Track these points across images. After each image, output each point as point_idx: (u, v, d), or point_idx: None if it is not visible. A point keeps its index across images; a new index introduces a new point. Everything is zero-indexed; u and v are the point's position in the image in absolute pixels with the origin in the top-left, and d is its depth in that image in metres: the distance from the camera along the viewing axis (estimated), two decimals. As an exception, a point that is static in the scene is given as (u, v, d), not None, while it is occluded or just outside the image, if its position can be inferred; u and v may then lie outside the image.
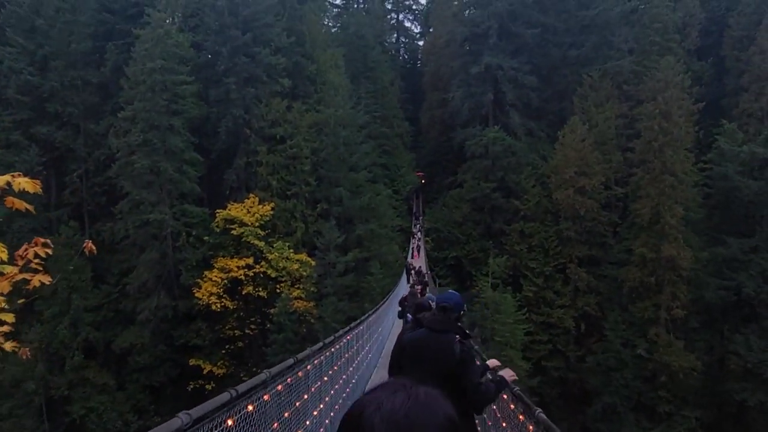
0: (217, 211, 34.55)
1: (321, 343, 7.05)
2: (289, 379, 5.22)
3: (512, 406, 4.83)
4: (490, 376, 4.39)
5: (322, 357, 6.90)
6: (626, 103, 40.59)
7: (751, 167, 35.34)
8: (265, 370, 4.56)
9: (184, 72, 34.55)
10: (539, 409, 4.13)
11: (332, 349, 7.67)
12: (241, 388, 3.87)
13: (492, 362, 4.46)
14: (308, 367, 6.03)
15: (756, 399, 31.04)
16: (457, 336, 3.73)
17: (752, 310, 33.69)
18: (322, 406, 6.80)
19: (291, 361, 5.39)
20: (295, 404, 5.47)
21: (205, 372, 32.76)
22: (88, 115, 39.66)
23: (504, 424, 5.27)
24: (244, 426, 3.84)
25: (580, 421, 35.26)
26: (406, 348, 3.97)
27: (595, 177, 37.96)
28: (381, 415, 0.79)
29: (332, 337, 7.93)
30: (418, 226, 48.37)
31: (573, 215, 38.30)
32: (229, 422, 3.55)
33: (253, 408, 4.05)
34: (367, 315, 11.83)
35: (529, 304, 37.26)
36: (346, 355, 9.15)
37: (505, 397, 4.99)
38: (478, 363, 4.21)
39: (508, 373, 4.11)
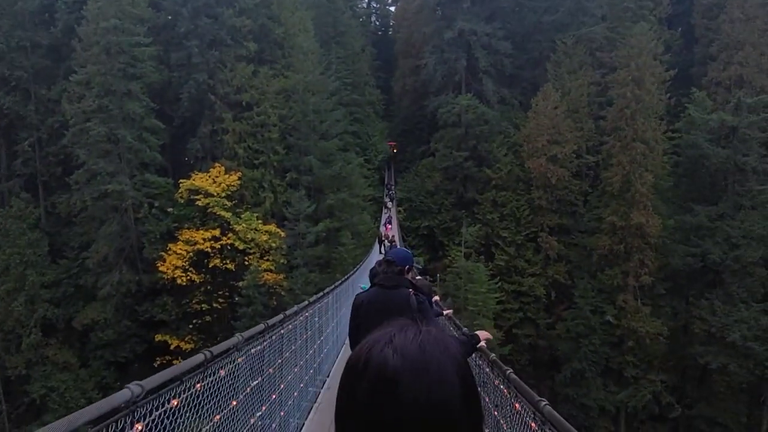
0: (181, 181, 33.11)
1: (295, 307, 6.94)
2: (281, 330, 5.51)
3: (488, 370, 4.76)
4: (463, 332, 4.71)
5: (296, 321, 6.88)
6: (599, 71, 40.32)
7: (719, 135, 35.68)
8: (237, 334, 4.44)
9: (141, 33, 32.44)
10: (509, 369, 4.03)
11: (303, 316, 7.51)
12: (216, 349, 3.74)
13: (483, 334, 4.36)
14: (281, 331, 6.01)
15: (718, 362, 31.98)
16: (410, 290, 3.80)
17: (717, 276, 34.46)
18: (296, 369, 6.82)
19: (262, 326, 5.26)
20: (268, 370, 5.43)
21: (172, 347, 31.82)
22: (39, 80, 37.31)
23: (495, 413, 4.89)
24: (216, 389, 3.78)
25: (549, 386, 35.88)
26: (361, 308, 3.91)
27: (567, 145, 37.81)
28: (393, 348, 0.75)
29: (305, 303, 7.70)
30: (390, 194, 47.70)
31: (544, 184, 38.24)
32: (198, 387, 3.47)
33: (226, 372, 4.03)
34: (338, 282, 11.30)
35: (500, 273, 37.33)
36: (317, 324, 9.02)
37: (496, 382, 4.82)
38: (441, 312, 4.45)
39: (483, 334, 4.26)
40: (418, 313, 3.62)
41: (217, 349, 3.71)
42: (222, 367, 3.80)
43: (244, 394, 4.44)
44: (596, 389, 34.42)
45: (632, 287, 34.95)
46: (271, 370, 5.27)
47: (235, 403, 4.15)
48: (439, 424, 0.72)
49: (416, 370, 0.73)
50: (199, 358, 3.34)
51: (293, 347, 6.35)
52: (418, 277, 6.82)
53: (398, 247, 27.62)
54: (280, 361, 5.79)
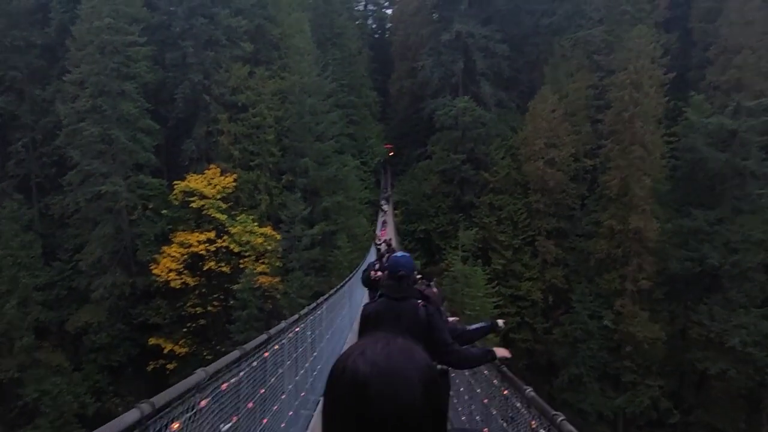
0: (176, 182, 32.79)
1: (282, 323, 6.47)
2: (265, 354, 5.13)
3: (495, 381, 4.70)
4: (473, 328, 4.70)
5: (296, 329, 6.81)
6: (597, 74, 40.11)
7: (718, 139, 35.49)
8: (200, 370, 3.85)
9: (135, 32, 32.15)
10: (529, 388, 3.87)
11: (293, 332, 7.09)
12: (212, 367, 3.61)
13: (500, 351, 4.16)
14: (283, 341, 5.93)
15: (717, 367, 31.73)
16: (419, 301, 3.72)
17: (716, 280, 34.23)
18: (297, 378, 6.74)
19: (236, 353, 4.73)
20: (246, 406, 4.97)
21: (165, 351, 31.52)
22: (33, 80, 36.97)
23: (485, 401, 5.10)
24: (218, 405, 3.72)
25: (546, 391, 35.56)
26: (369, 320, 3.82)
27: (565, 148, 37.61)
28: (364, 359, 0.87)
29: (293, 318, 7.33)
30: (385, 196, 47.39)
31: (542, 187, 38.01)
32: (202, 403, 3.33)
33: (227, 387, 3.92)
34: (333, 291, 11.07)
35: (497, 277, 37.05)
36: (318, 330, 8.86)
37: (486, 372, 5.02)
38: (447, 321, 4.18)
39: (501, 351, 4.12)
40: (427, 326, 3.60)
41: (164, 397, 2.82)
42: (175, 419, 2.95)
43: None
44: (594, 394, 34.15)
45: (630, 292, 34.71)
46: (250, 404, 4.71)
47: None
48: (404, 422, 0.84)
49: (382, 377, 0.85)
50: (134, 415, 2.44)
51: (280, 371, 5.69)
52: (435, 290, 6.57)
53: (394, 250, 27.36)
54: (262, 391, 5.24)
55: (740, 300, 33.11)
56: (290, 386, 6.10)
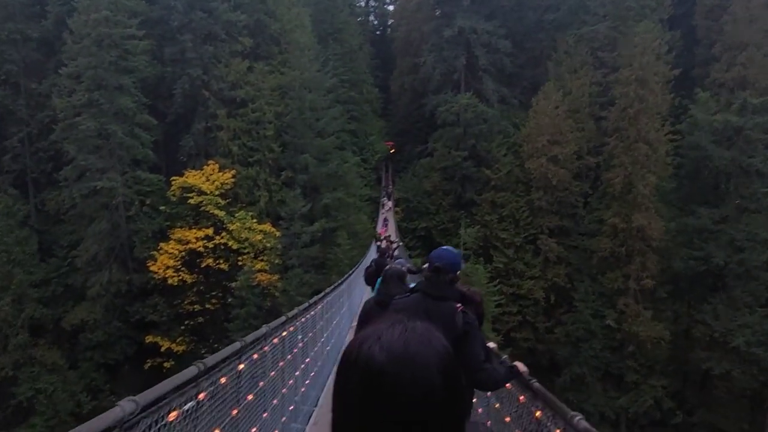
0: (174, 178, 32.32)
1: (263, 328, 6.03)
2: (265, 348, 4.96)
3: (522, 398, 4.16)
4: (501, 361, 4.08)
5: (295, 325, 6.57)
6: (600, 70, 39.68)
7: (724, 137, 35.07)
8: (240, 339, 4.24)
9: (133, 26, 31.65)
10: (579, 415, 3.11)
11: (303, 319, 7.06)
12: (210, 361, 3.44)
13: (520, 366, 3.94)
14: (284, 333, 5.71)
15: (721, 368, 31.34)
16: (458, 304, 3.22)
17: (720, 280, 33.84)
18: (297, 373, 6.59)
19: (264, 329, 5.00)
20: (269, 374, 5.15)
21: (163, 349, 31.06)
22: (30, 73, 36.52)
23: (507, 419, 4.56)
24: (217, 398, 3.61)
25: (548, 391, 35.20)
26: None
27: (568, 146, 37.18)
28: (380, 345, 0.82)
29: (305, 305, 7.28)
30: (386, 193, 46.94)
31: (545, 185, 37.59)
32: (201, 396, 3.25)
33: (227, 380, 3.80)
34: (330, 289, 10.56)
35: (499, 275, 36.64)
36: (320, 324, 8.60)
37: (508, 386, 4.50)
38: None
39: (521, 366, 3.78)
40: (463, 336, 3.10)
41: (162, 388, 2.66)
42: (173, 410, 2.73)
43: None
44: (596, 394, 33.77)
45: (633, 291, 34.29)
46: (250, 396, 4.43)
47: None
48: (421, 413, 0.78)
49: (399, 365, 0.79)
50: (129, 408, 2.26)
51: (261, 384, 4.87)
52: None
53: (396, 245, 26.92)
54: (233, 414, 4.83)
55: (745, 299, 32.72)
56: (274, 401, 5.66)
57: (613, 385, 34.48)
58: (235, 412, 3.95)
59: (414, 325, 0.86)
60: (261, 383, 4.72)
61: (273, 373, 5.19)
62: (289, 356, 5.98)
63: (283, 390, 5.68)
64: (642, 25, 35.84)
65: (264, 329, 4.87)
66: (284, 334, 5.61)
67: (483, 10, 43.82)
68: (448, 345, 0.86)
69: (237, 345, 4.05)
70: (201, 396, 3.20)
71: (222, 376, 3.62)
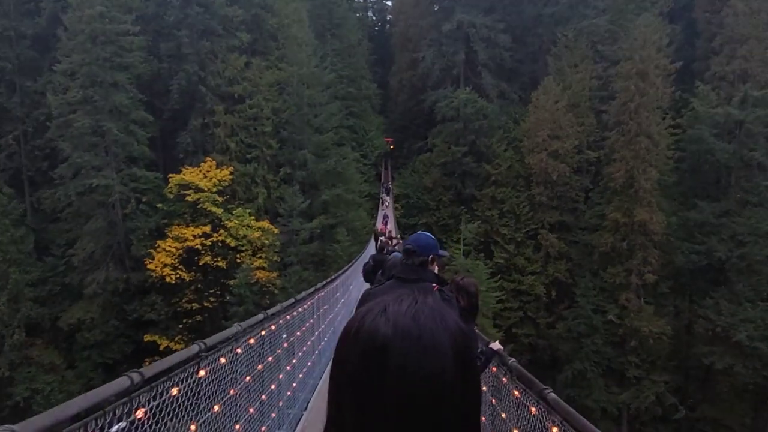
0: (171, 175, 31.96)
1: (278, 306, 6.25)
2: (262, 332, 4.85)
3: (504, 380, 4.33)
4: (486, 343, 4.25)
5: (294, 312, 6.50)
6: (600, 64, 39.43)
7: (725, 130, 34.83)
8: (236, 324, 4.23)
9: (128, 21, 31.24)
10: (548, 388, 3.42)
11: (301, 309, 6.99)
12: (211, 340, 3.59)
13: (495, 345, 4.20)
14: (262, 332, 5.39)
15: (724, 362, 31.16)
16: (434, 285, 3.14)
17: (722, 274, 33.64)
18: (281, 376, 6.27)
19: (261, 316, 4.99)
20: (267, 358, 5.09)
21: (161, 348, 30.67)
22: (24, 71, 36.12)
23: (493, 401, 4.69)
24: (215, 378, 3.63)
25: (549, 387, 34.99)
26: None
27: (568, 140, 36.95)
28: (386, 317, 0.73)
29: (291, 301, 6.95)
30: (385, 189, 46.64)
31: (545, 180, 37.37)
32: (202, 372, 3.33)
33: (226, 360, 3.81)
34: (321, 284, 10.05)
35: (500, 271, 36.46)
36: (315, 316, 8.43)
37: (494, 369, 4.71)
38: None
39: (496, 345, 4.02)
40: None
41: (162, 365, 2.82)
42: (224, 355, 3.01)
43: None
44: (598, 390, 33.58)
45: (635, 286, 34.10)
46: (248, 378, 4.22)
47: None
48: (429, 394, 0.69)
49: (407, 340, 0.70)
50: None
51: (232, 392, 4.20)
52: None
53: (396, 240, 26.62)
54: (260, 367, 4.61)
55: (747, 294, 32.54)
56: (273, 385, 5.44)
57: (615, 381, 34.30)
58: (193, 427, 3.43)
59: (425, 300, 0.76)
60: (232, 391, 4.15)
61: (248, 377, 4.61)
62: (270, 358, 5.43)
63: (263, 396, 5.14)
64: (642, 18, 35.59)
65: (235, 328, 4.27)
66: (263, 333, 5.06)
67: (482, 4, 43.56)
68: (462, 324, 0.76)
69: (195, 348, 3.42)
70: (139, 414, 2.57)
71: (174, 387, 2.96)
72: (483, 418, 4.67)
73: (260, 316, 5.07)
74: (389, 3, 68.54)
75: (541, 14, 44.16)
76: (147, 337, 30.96)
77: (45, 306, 32.24)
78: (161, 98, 34.96)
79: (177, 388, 2.97)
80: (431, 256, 3.29)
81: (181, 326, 30.97)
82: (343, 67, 44.58)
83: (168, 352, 30.49)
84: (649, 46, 34.15)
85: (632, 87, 33.71)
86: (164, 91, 34.70)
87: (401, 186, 44.52)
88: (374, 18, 70.85)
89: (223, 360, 3.80)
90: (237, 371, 4.23)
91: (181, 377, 3.10)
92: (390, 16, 66.30)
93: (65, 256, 32.80)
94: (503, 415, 4.37)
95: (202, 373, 3.41)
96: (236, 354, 4.23)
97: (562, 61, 39.91)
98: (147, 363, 30.40)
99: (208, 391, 3.59)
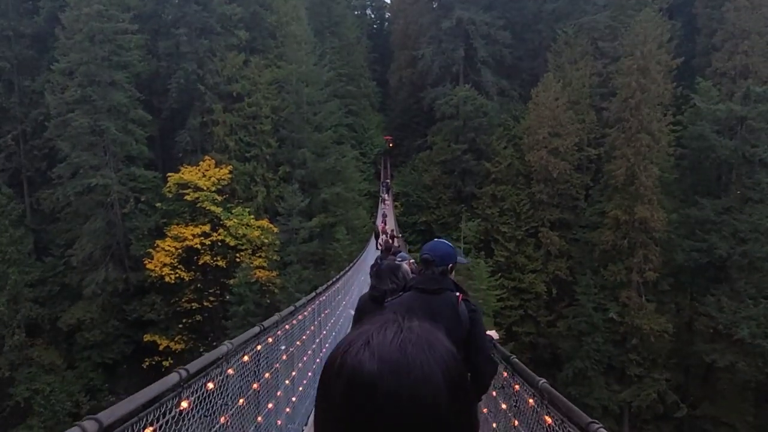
0: (169, 175, 31.88)
1: (292, 307, 6.23)
2: (258, 347, 4.62)
3: (504, 374, 4.32)
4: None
5: (293, 321, 6.26)
6: (601, 61, 39.24)
7: (726, 126, 34.64)
8: (226, 342, 3.89)
9: (126, 20, 31.12)
10: (542, 379, 3.49)
11: (300, 316, 6.73)
12: (194, 366, 3.16)
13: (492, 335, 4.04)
14: (278, 332, 5.33)
15: (726, 360, 31.01)
16: (458, 294, 3.04)
17: (724, 271, 33.48)
18: (279, 393, 5.91)
19: (257, 329, 4.68)
20: (264, 375, 4.83)
21: (161, 348, 30.73)
22: (23, 70, 36.03)
23: (494, 393, 4.64)
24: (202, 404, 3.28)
25: (550, 385, 34.86)
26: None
27: (569, 137, 36.77)
28: (370, 351, 0.67)
29: (302, 301, 6.87)
30: (385, 188, 46.51)
31: (545, 177, 37.21)
32: (184, 404, 2.96)
33: (214, 385, 3.45)
34: (321, 289, 9.81)
35: (500, 269, 36.35)
36: (317, 322, 8.17)
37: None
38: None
39: (492, 334, 3.88)
40: (470, 326, 2.93)
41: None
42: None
43: None
44: (599, 388, 33.45)
45: (636, 283, 33.95)
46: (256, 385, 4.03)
47: None
48: (421, 428, 0.65)
49: (395, 374, 0.66)
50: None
51: (222, 420, 3.79)
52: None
53: (396, 239, 26.50)
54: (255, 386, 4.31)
55: (749, 291, 32.38)
56: (270, 405, 5.17)
57: (616, 379, 34.19)
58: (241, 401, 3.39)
59: (410, 325, 0.70)
60: (222, 419, 3.72)
61: (242, 400, 4.20)
62: (267, 375, 5.03)
63: (258, 418, 4.78)
64: (643, 14, 35.37)
65: (225, 347, 3.78)
66: (258, 348, 4.69)
67: (481, 1, 43.40)
68: (452, 348, 0.71)
69: (175, 377, 2.89)
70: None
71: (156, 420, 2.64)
72: (485, 410, 4.75)
73: (256, 329, 4.71)
74: (388, 1, 68.26)
75: (541, 10, 43.96)
76: (147, 337, 30.97)
77: (45, 306, 32.21)
78: (160, 97, 34.86)
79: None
80: (450, 265, 3.16)
81: (180, 326, 30.96)
82: (342, 65, 44.43)
83: (168, 351, 30.53)
84: (650, 42, 33.94)
85: (633, 83, 33.52)
86: (163, 89, 34.60)
87: (401, 184, 44.39)
88: (373, 16, 70.57)
89: (210, 385, 3.40)
90: (228, 395, 3.85)
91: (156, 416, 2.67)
92: (389, 14, 65.99)
93: (64, 256, 32.74)
94: (503, 406, 4.46)
95: (184, 404, 2.97)
96: (227, 376, 3.81)
97: (562, 57, 39.72)
98: (147, 363, 30.52)
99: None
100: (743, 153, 33.90)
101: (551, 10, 43.23)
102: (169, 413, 2.76)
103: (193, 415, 3.13)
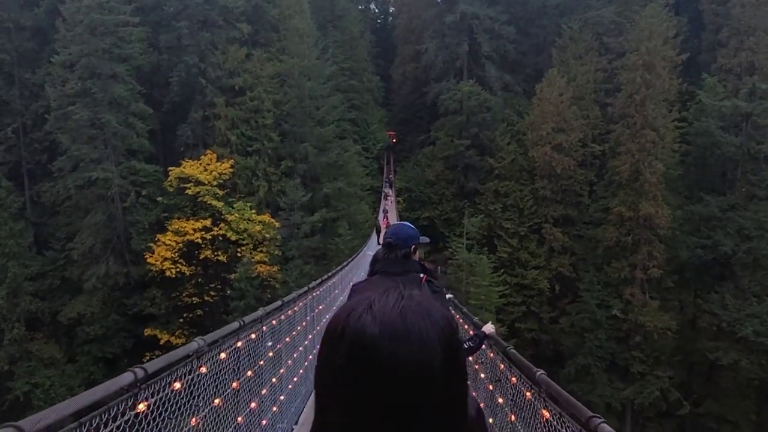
0: (170, 169, 31.66)
1: (279, 302, 6.22)
2: (239, 343, 4.52)
3: (502, 366, 4.38)
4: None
5: (289, 311, 6.31)
6: (606, 56, 38.95)
7: (732, 123, 34.36)
8: (197, 338, 3.78)
9: (127, 12, 30.85)
10: (540, 371, 3.54)
11: (290, 312, 6.67)
12: (155, 365, 2.94)
13: (487, 328, 4.35)
14: (263, 328, 5.26)
15: (729, 358, 30.83)
16: (422, 275, 3.06)
17: (728, 268, 33.26)
18: (282, 370, 6.13)
19: (236, 324, 4.58)
20: (246, 373, 4.74)
21: (162, 342, 30.51)
22: (23, 63, 35.83)
23: (491, 387, 4.81)
24: (199, 385, 3.40)
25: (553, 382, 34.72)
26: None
27: (573, 133, 36.53)
28: (372, 315, 0.71)
29: (291, 296, 6.79)
30: (388, 183, 46.28)
31: (549, 173, 36.97)
32: (177, 385, 3.05)
33: (207, 369, 3.58)
34: (315, 283, 9.53)
35: (503, 265, 36.15)
36: (309, 317, 7.97)
37: (491, 355, 4.73)
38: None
39: (488, 328, 4.18)
40: None
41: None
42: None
43: None
44: (602, 385, 33.28)
45: (640, 280, 33.72)
46: (249, 372, 3.97)
47: None
48: (419, 392, 0.69)
49: (395, 338, 0.69)
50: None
51: (193, 421, 3.64)
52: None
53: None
54: (261, 363, 4.33)
55: (753, 289, 32.19)
56: (252, 404, 5.00)
57: (619, 376, 34.01)
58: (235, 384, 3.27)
59: (411, 293, 0.74)
60: (193, 420, 3.52)
61: (218, 400, 3.99)
62: (249, 372, 4.82)
63: (239, 419, 4.62)
64: (648, 10, 35.08)
65: (196, 343, 3.55)
66: (239, 344, 4.47)
67: (486, -5, 43.04)
68: (450, 316, 0.74)
69: (129, 377, 2.58)
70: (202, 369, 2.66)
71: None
72: (482, 404, 4.62)
73: (235, 324, 4.49)
74: (391, -5, 67.83)
75: (546, 5, 43.65)
76: (147, 332, 30.81)
77: (45, 300, 32.08)
78: (161, 90, 34.63)
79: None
80: (413, 246, 3.15)
81: (181, 320, 30.82)
82: (345, 60, 44.14)
83: (168, 346, 30.31)
84: (656, 38, 33.65)
85: (638, 79, 33.24)
86: (164, 83, 34.37)
87: (404, 179, 44.16)
88: (376, 10, 70.17)
89: (177, 385, 3.15)
90: (200, 395, 3.61)
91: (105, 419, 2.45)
92: (392, 8, 65.67)
93: (65, 249, 32.59)
94: (500, 400, 4.49)
95: (141, 407, 2.69)
96: (199, 374, 3.57)
97: (566, 53, 39.43)
98: (147, 357, 30.36)
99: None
100: (748, 150, 33.65)
101: (556, 5, 42.94)
102: (121, 417, 2.49)
103: (154, 418, 2.85)
